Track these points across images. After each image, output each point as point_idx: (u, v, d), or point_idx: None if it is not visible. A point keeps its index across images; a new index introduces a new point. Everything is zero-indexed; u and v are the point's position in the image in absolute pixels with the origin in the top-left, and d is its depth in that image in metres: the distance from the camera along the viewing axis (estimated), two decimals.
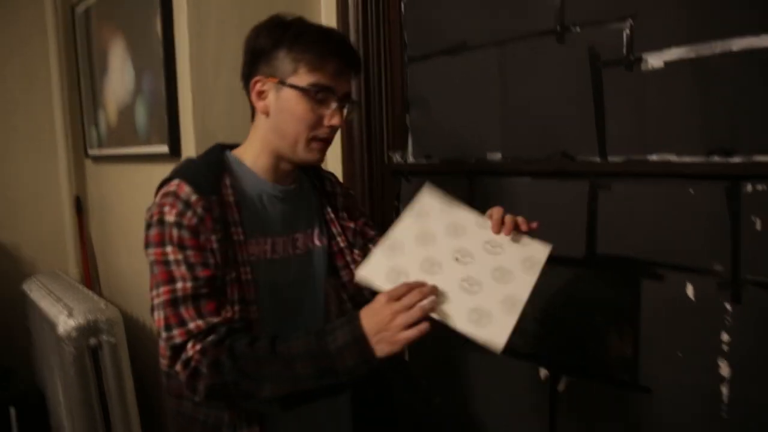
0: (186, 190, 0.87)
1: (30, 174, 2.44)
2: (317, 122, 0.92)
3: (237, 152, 0.99)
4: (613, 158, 1.17)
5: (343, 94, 0.94)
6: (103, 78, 2.11)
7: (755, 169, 0.97)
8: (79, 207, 2.50)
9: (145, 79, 1.76)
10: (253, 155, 0.98)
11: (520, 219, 0.94)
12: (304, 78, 0.90)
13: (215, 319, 0.84)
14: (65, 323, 1.76)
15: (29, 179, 2.44)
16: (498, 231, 0.93)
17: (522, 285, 0.88)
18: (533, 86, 1.29)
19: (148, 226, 0.88)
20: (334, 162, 1.68)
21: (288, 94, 0.91)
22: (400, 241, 0.91)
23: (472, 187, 1.43)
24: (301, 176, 1.07)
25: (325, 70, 0.90)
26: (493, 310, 0.85)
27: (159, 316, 0.85)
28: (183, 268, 0.85)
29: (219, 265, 0.87)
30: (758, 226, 0.97)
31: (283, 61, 0.91)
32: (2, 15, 2.31)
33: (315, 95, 0.91)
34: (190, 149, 1.57)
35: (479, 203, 1.40)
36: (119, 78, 1.96)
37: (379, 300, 0.80)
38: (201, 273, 0.85)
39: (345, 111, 0.95)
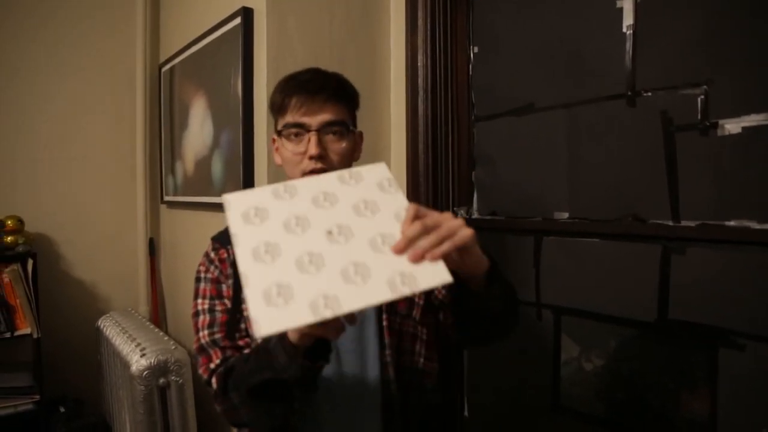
0: (210, 248, 1.04)
1: (110, 216, 2.61)
2: (301, 159, 0.96)
3: None
4: (687, 222, 1.16)
5: (320, 124, 0.95)
6: (183, 131, 2.26)
7: None
8: (152, 249, 2.65)
9: (223, 135, 1.88)
10: None
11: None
12: (279, 124, 1.00)
13: (228, 352, 0.95)
14: (138, 363, 1.84)
15: (109, 221, 2.61)
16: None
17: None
18: (602, 148, 1.30)
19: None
20: None
21: (279, 143, 1.01)
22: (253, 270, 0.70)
23: (538, 246, 1.43)
24: None
25: (288, 109, 0.97)
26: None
27: (197, 360, 1.00)
28: (207, 317, 0.98)
29: (236, 309, 0.98)
30: None
31: (273, 117, 1.03)
32: (98, 72, 2.53)
33: (288, 136, 0.97)
34: None
35: (545, 262, 1.41)
36: (198, 132, 2.10)
37: None
38: (220, 318, 0.97)
39: (329, 137, 0.96)
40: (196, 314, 1.01)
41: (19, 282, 2.16)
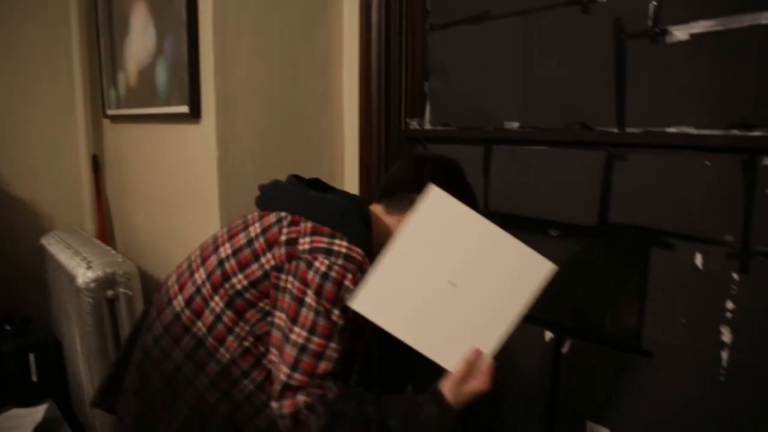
0: (360, 257, 0.92)
1: (49, 133, 2.47)
2: None
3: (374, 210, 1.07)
4: (631, 129, 1.18)
5: None
6: (124, 40, 2.11)
7: None
8: (96, 165, 2.54)
9: (166, 42, 1.77)
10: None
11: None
12: None
13: (314, 388, 0.88)
14: (84, 275, 1.80)
15: (48, 138, 2.47)
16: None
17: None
18: (555, 56, 1.30)
19: (324, 276, 0.89)
20: (350, 127, 1.70)
21: None
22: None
23: (488, 155, 1.45)
24: None
25: None
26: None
27: (288, 351, 0.88)
28: (313, 363, 0.88)
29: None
30: None
31: None
32: None
33: None
34: (210, 110, 1.59)
35: (495, 171, 1.44)
36: (140, 40, 1.97)
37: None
38: (322, 369, 0.88)
39: None
40: (303, 349, 0.87)
41: None
